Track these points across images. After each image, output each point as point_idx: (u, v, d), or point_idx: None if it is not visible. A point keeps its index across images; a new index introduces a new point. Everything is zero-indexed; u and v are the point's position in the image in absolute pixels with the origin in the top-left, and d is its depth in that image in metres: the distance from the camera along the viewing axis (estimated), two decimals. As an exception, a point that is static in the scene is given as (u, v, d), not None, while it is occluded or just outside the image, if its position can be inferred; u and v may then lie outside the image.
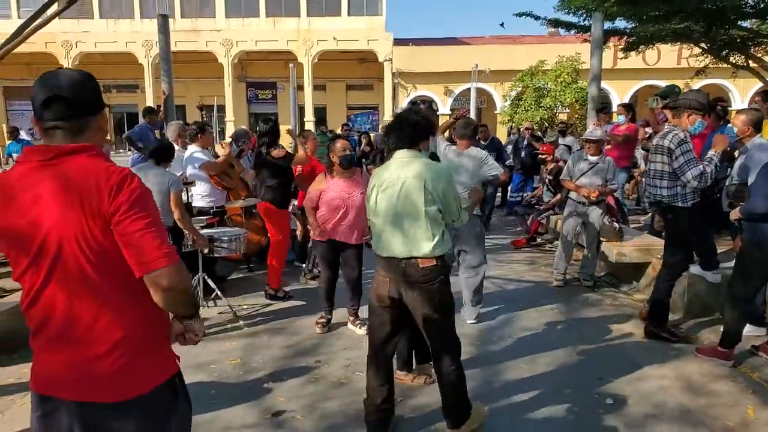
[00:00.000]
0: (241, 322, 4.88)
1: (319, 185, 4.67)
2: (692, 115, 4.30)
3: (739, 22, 8.86)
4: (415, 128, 2.99)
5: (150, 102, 22.77)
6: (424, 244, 2.88)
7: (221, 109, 24.98)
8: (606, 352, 4.39)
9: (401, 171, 2.92)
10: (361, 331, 4.61)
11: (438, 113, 27.96)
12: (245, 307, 5.39)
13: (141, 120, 8.17)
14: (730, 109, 21.48)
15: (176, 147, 6.27)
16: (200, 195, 5.67)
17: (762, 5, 8.05)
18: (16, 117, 27.78)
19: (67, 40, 26.26)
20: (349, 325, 4.81)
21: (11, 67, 25.71)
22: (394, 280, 2.96)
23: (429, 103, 27.51)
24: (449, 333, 3.07)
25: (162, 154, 4.54)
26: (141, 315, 1.67)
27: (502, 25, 31.59)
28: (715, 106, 5.81)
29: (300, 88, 25.18)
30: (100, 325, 1.61)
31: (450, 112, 27.70)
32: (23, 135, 15.21)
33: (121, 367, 1.63)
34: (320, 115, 27.61)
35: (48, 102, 1.59)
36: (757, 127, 4.38)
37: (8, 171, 1.67)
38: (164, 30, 8.36)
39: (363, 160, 9.93)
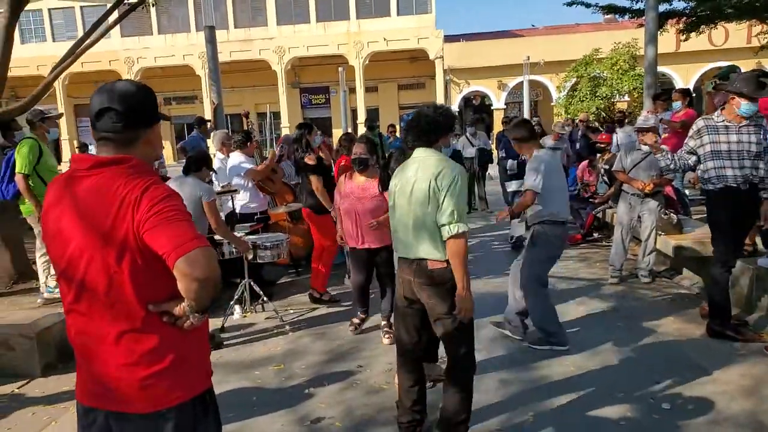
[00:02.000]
0: (287, 327, 4.91)
1: (340, 186, 4.66)
2: (735, 99, 4.19)
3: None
4: (433, 125, 2.90)
5: (208, 111, 23.54)
6: (432, 245, 2.80)
7: (276, 115, 25.50)
8: (664, 352, 4.14)
9: (415, 170, 2.87)
10: (387, 341, 4.51)
11: (492, 108, 27.53)
12: (291, 311, 5.42)
13: (194, 131, 8.43)
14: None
15: (221, 156, 6.43)
16: (243, 202, 5.76)
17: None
18: (86, 133, 29.34)
19: (129, 57, 27.58)
20: (380, 332, 4.67)
21: (80, 86, 27.30)
22: (409, 280, 2.92)
23: (482, 98, 27.02)
24: (461, 342, 2.90)
25: (191, 165, 4.60)
26: (172, 329, 1.66)
27: (533, 25, 30.47)
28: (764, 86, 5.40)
29: (352, 90, 25.41)
30: (129, 338, 1.63)
31: (505, 106, 27.25)
32: (92, 150, 16.04)
33: (150, 379, 1.64)
34: (373, 116, 27.71)
35: (101, 113, 1.63)
36: None
37: (53, 180, 1.74)
38: (211, 41, 8.60)
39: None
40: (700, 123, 4.35)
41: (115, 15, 7.17)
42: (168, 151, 25.37)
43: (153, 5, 7.90)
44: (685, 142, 4.46)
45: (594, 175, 8.24)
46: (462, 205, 2.76)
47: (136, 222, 1.54)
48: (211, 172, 4.86)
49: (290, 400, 3.64)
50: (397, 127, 13.21)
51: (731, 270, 4.33)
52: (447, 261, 2.80)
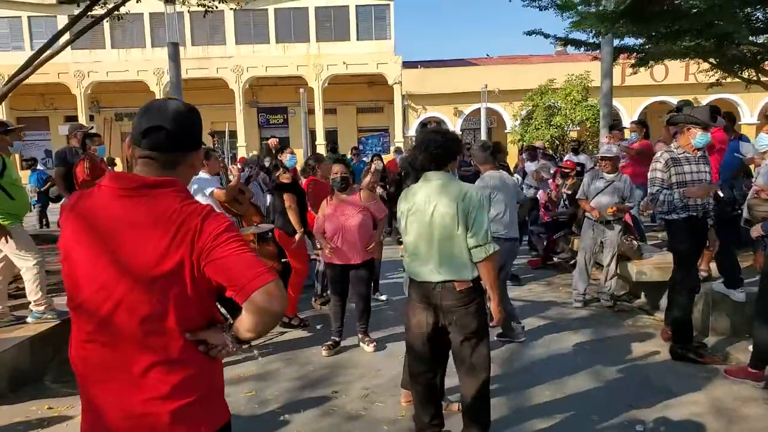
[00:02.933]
0: (256, 352, 4.77)
1: (323, 211, 4.85)
2: (691, 129, 4.38)
3: (750, 38, 8.76)
4: (443, 149, 2.94)
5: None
6: (460, 266, 2.84)
7: (233, 134, 25.16)
8: (632, 375, 4.24)
9: (432, 194, 2.87)
10: (370, 348, 4.78)
11: (448, 133, 28.01)
12: (259, 335, 5.29)
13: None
14: (740, 123, 21.24)
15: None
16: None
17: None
18: (29, 147, 28.14)
19: (79, 70, 26.66)
20: (360, 344, 4.88)
21: (24, 98, 26.17)
22: (431, 305, 2.91)
23: (438, 123, 27.86)
24: (484, 358, 2.99)
25: None
26: (205, 358, 1.57)
27: (487, 55, 31.36)
28: (717, 119, 5.74)
29: (311, 112, 25.38)
30: (160, 369, 1.52)
31: (460, 132, 27.79)
32: (39, 166, 15.36)
33: (182, 411, 1.53)
34: (332, 138, 27.76)
35: (148, 131, 1.54)
36: None
37: (85, 194, 1.61)
38: (174, 58, 8.46)
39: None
40: (665, 155, 4.42)
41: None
42: (120, 167, 24.57)
43: (119, 19, 7.70)
44: (658, 177, 4.38)
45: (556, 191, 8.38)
46: (489, 224, 2.86)
47: (197, 250, 1.47)
48: None
49: (266, 427, 3.53)
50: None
51: (695, 295, 4.50)
52: (472, 281, 2.86)
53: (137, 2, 7.70)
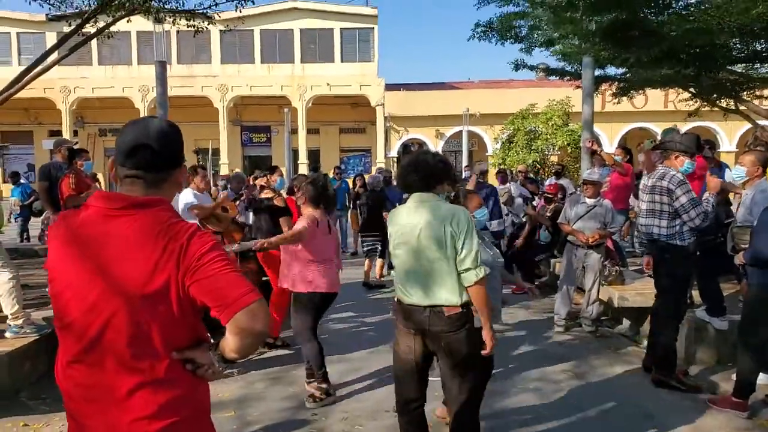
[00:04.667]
0: (234, 371, 4.69)
1: (306, 222, 4.20)
2: (680, 157, 4.38)
3: (728, 66, 9.02)
4: (432, 171, 2.88)
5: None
6: (449, 290, 2.76)
7: (216, 152, 25.07)
8: (617, 403, 4.22)
9: (419, 215, 2.81)
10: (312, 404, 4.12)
11: (430, 156, 28.21)
12: (239, 355, 5.20)
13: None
14: (718, 150, 21.80)
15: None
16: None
17: (749, 49, 8.24)
18: (12, 161, 27.83)
19: (65, 86, 26.48)
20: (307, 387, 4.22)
21: (9, 112, 25.85)
22: (418, 329, 2.84)
23: (420, 145, 27.81)
24: (472, 389, 2.87)
25: None
26: (191, 378, 1.56)
27: (469, 79, 32.22)
28: (703, 148, 5.84)
29: (294, 131, 25.44)
30: (147, 389, 1.50)
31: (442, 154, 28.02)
32: (22, 179, 15.15)
33: (170, 430, 1.51)
34: (314, 157, 27.81)
35: (134, 150, 1.54)
36: (765, 168, 4.39)
37: (74, 215, 1.59)
38: (162, 77, 8.40)
39: (357, 201, 9.87)
40: (678, 177, 4.32)
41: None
42: (103, 183, 24.24)
43: (110, 37, 7.68)
44: (689, 195, 4.28)
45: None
46: (479, 247, 2.78)
47: (182, 270, 1.46)
48: None
49: (246, 451, 3.46)
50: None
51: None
52: (462, 306, 2.77)
53: (127, 22, 7.68)
